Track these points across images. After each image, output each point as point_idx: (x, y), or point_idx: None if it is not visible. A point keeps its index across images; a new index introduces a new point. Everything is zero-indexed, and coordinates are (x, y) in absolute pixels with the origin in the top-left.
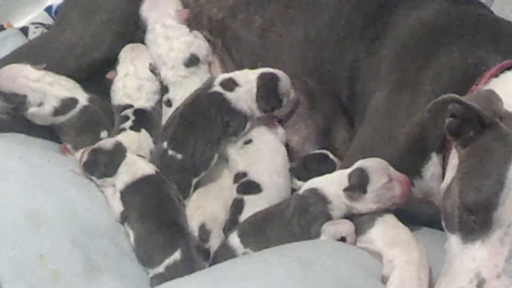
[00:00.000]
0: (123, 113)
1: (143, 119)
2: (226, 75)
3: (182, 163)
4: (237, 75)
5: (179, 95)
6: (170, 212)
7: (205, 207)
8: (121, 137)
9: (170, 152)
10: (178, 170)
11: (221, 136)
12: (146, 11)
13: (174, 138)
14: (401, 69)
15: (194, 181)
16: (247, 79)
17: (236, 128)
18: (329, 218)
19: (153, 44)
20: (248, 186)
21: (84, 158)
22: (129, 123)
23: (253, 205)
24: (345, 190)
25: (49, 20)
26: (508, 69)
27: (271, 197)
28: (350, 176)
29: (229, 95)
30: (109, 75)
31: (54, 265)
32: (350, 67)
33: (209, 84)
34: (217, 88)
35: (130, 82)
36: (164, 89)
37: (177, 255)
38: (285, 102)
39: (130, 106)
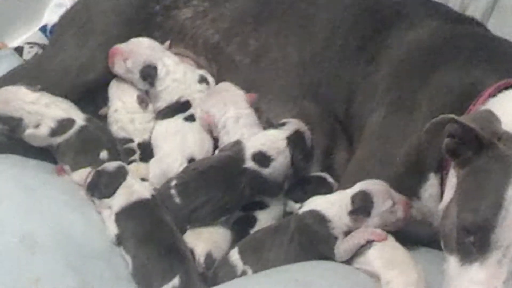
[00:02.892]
0: (126, 146)
1: (148, 151)
2: (255, 147)
3: (178, 207)
4: (266, 146)
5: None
6: (167, 237)
7: (206, 234)
8: (132, 167)
9: (173, 192)
10: (172, 210)
11: (238, 206)
12: (150, 56)
13: (184, 185)
14: (397, 90)
15: (188, 226)
16: (278, 149)
17: (272, 196)
18: (330, 237)
19: (168, 76)
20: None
21: (89, 179)
22: (137, 156)
23: (264, 219)
24: (350, 213)
25: (44, 40)
26: (505, 88)
27: (277, 210)
28: (353, 198)
29: (265, 172)
30: (101, 112)
31: None
32: (346, 88)
33: (238, 154)
34: (250, 164)
35: (121, 117)
36: (184, 106)
37: (176, 281)
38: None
39: (130, 140)
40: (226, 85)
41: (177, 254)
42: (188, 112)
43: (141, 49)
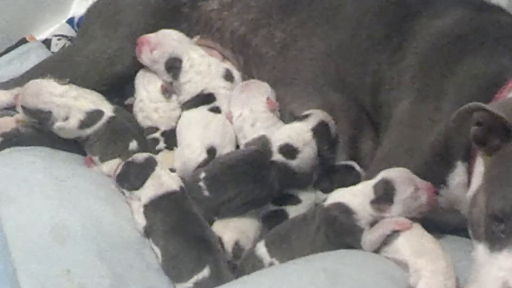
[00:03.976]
0: (150, 136)
1: (172, 138)
2: (281, 139)
3: (207, 200)
4: (292, 139)
5: (225, 105)
6: (196, 228)
7: (234, 223)
8: (159, 157)
9: (201, 184)
10: (201, 202)
11: (268, 199)
12: (176, 49)
13: (213, 178)
14: (424, 78)
15: (215, 218)
16: (304, 141)
17: (302, 187)
18: (356, 229)
19: (193, 68)
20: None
21: (118, 170)
22: (162, 144)
23: (295, 214)
24: (372, 202)
25: (71, 32)
26: None
27: (308, 205)
28: (375, 187)
29: (292, 163)
30: (128, 101)
31: (80, 279)
32: (373, 77)
33: (264, 147)
34: (278, 156)
35: (146, 106)
36: (208, 98)
37: (205, 272)
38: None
39: (155, 128)
40: (251, 84)
41: (206, 245)
42: (212, 104)
43: (169, 41)
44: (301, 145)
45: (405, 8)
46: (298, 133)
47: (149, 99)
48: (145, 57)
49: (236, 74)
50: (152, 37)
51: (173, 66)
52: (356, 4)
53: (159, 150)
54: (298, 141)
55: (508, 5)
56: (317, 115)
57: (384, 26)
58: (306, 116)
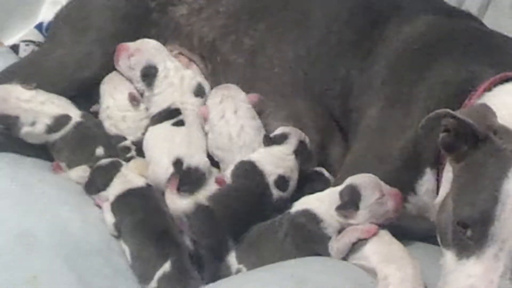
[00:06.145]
0: (121, 145)
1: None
2: (274, 173)
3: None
4: (282, 168)
5: (190, 118)
6: (160, 223)
7: None
8: (132, 164)
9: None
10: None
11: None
12: (154, 57)
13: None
14: (394, 84)
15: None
16: (290, 167)
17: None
18: (324, 237)
19: (166, 79)
20: None
21: (86, 179)
22: (134, 152)
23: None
24: (337, 208)
25: (39, 38)
26: (501, 82)
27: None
28: (341, 194)
29: (285, 195)
30: (93, 108)
31: (47, 286)
32: (342, 83)
33: (260, 182)
34: (276, 193)
35: (113, 114)
36: (173, 113)
37: (167, 266)
38: None
39: (122, 138)
40: (229, 85)
41: (168, 239)
42: (176, 119)
43: (147, 48)
44: (289, 172)
45: (375, 14)
46: (283, 159)
47: (116, 107)
48: (122, 64)
49: (207, 88)
50: (131, 44)
51: (149, 73)
52: (325, 10)
53: (131, 158)
54: (285, 169)
55: (479, 11)
56: (294, 135)
57: (353, 32)
58: (284, 138)
